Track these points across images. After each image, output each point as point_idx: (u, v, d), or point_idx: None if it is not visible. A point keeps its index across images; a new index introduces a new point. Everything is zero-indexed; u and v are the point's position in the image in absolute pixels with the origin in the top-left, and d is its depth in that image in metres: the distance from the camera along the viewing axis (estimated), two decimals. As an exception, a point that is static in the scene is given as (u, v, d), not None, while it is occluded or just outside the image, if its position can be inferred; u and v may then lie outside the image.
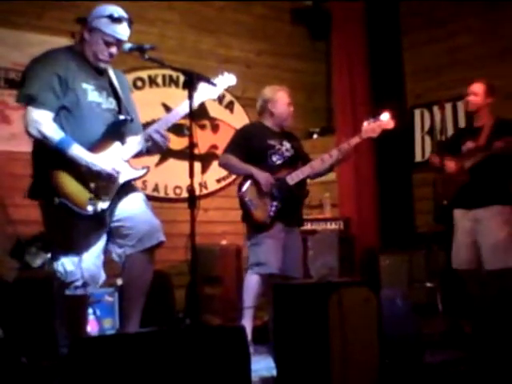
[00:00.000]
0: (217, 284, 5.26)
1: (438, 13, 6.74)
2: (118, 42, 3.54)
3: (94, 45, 3.53)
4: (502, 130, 4.78)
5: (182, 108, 3.62)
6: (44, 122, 3.36)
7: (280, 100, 4.83)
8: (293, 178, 4.68)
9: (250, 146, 4.73)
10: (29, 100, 3.40)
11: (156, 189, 6.22)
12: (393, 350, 3.70)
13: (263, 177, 4.63)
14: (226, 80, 3.87)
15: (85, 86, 3.51)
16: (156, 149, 3.69)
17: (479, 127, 4.96)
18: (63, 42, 5.61)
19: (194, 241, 3.23)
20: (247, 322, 4.50)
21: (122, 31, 3.53)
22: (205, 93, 3.70)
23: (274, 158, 4.74)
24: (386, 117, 4.75)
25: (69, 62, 3.51)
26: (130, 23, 3.56)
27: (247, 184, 4.69)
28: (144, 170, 3.66)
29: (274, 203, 4.63)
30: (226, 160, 4.82)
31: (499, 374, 3.80)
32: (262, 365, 3.90)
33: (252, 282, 4.65)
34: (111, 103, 3.62)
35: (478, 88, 4.96)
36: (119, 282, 4.83)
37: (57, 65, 3.46)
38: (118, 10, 3.55)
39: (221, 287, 5.03)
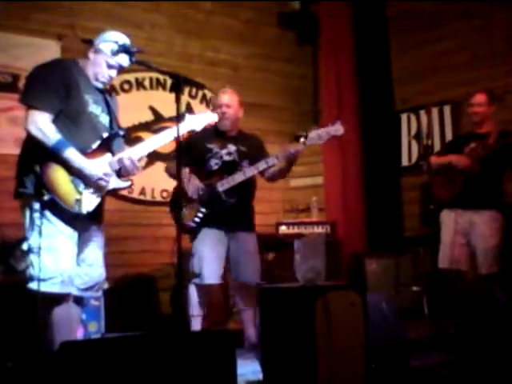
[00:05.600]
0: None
1: (425, 17, 6.77)
2: (119, 68, 3.74)
3: (97, 66, 3.71)
4: (507, 137, 4.87)
5: (158, 139, 3.82)
6: (44, 122, 3.49)
7: (217, 103, 4.87)
8: (223, 185, 4.64)
9: (191, 151, 4.68)
10: (31, 101, 3.54)
11: (143, 192, 6.21)
12: (379, 354, 3.70)
13: (190, 182, 4.66)
14: (208, 118, 4.09)
15: (86, 97, 3.67)
16: (125, 174, 3.76)
17: (484, 133, 5.01)
18: (50, 44, 5.63)
19: (180, 244, 3.22)
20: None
21: (125, 58, 3.70)
22: (189, 125, 3.95)
23: (212, 163, 4.75)
24: (335, 124, 4.67)
25: (73, 72, 3.67)
26: (132, 53, 3.69)
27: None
28: (128, 183, 3.81)
29: (202, 209, 4.63)
30: (167, 168, 4.90)
31: (486, 376, 3.81)
32: (248, 369, 3.88)
33: (191, 292, 4.69)
34: (104, 118, 3.78)
35: (481, 98, 5.02)
36: (105, 285, 4.82)
37: (63, 72, 3.62)
38: (124, 39, 3.72)
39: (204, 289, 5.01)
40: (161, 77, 6.30)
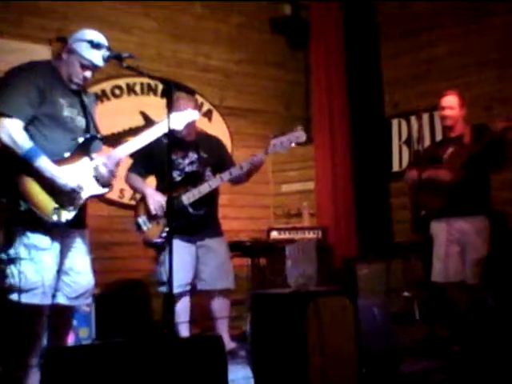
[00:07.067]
0: (194, 293, 5.23)
1: (416, 23, 6.80)
2: (94, 68, 3.62)
3: (70, 66, 3.61)
4: (481, 134, 4.74)
5: (137, 141, 3.81)
6: (15, 129, 3.41)
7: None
8: (189, 198, 4.56)
9: (151, 161, 4.56)
10: (2, 107, 3.45)
11: (133, 197, 6.19)
12: (370, 359, 3.70)
13: (152, 199, 4.57)
14: (188, 116, 4.14)
15: (61, 100, 3.59)
16: (102, 182, 3.70)
17: (457, 136, 4.92)
18: (42, 49, 5.61)
19: (172, 250, 3.21)
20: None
21: (100, 58, 3.59)
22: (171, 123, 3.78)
23: (174, 174, 4.64)
24: (297, 130, 4.58)
25: (48, 75, 3.58)
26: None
27: (141, 204, 4.69)
28: (107, 189, 3.74)
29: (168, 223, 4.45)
30: (127, 179, 4.75)
31: (477, 381, 3.82)
32: (240, 374, 3.88)
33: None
34: (80, 121, 3.70)
35: (452, 101, 4.91)
36: (96, 291, 4.81)
37: (37, 76, 3.53)
38: (99, 37, 3.60)
39: (198, 296, 5.00)
40: (152, 82, 6.29)
